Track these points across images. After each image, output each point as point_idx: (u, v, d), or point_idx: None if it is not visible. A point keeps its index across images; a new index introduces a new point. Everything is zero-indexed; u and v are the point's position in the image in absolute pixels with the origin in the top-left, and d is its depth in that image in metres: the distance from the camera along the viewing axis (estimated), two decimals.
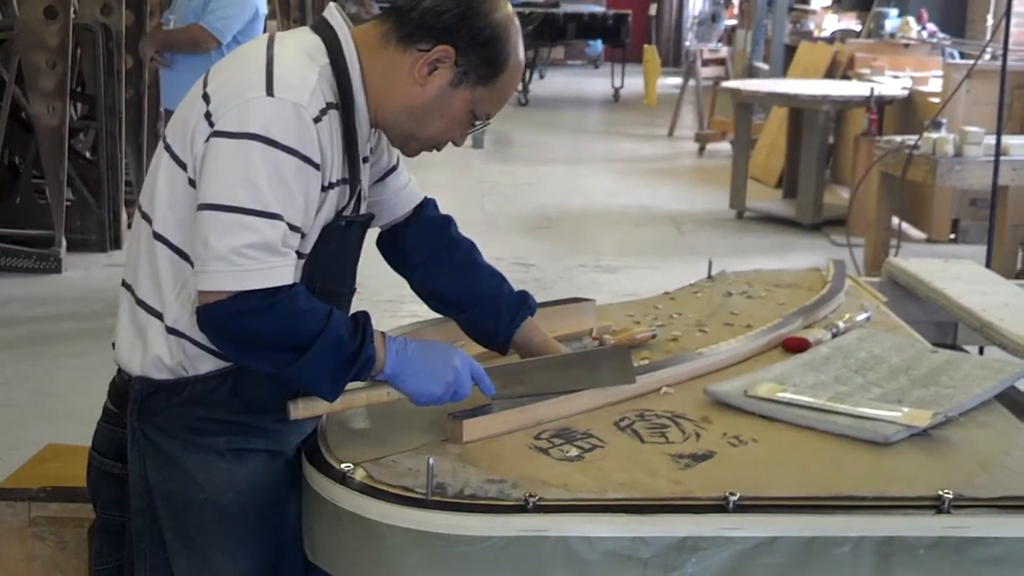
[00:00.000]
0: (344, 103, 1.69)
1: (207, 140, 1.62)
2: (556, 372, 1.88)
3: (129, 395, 1.74)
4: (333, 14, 1.75)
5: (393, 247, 2.00)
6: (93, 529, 1.93)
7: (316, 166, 1.64)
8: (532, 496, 1.56)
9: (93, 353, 4.66)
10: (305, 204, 1.64)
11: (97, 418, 1.86)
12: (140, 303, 1.72)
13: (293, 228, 1.62)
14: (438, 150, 1.83)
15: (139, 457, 1.74)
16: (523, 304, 1.96)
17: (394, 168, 1.96)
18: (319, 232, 1.71)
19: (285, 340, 1.61)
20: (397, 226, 1.99)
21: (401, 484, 1.61)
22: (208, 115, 1.63)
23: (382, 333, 1.71)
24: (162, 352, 1.70)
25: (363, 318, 1.68)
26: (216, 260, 1.57)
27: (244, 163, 1.58)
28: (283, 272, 1.60)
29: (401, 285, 2.11)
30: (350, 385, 1.69)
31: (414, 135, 1.78)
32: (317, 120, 1.63)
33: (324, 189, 1.68)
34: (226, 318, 1.59)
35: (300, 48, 1.69)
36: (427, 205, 2.02)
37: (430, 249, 1.98)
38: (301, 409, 1.70)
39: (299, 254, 1.69)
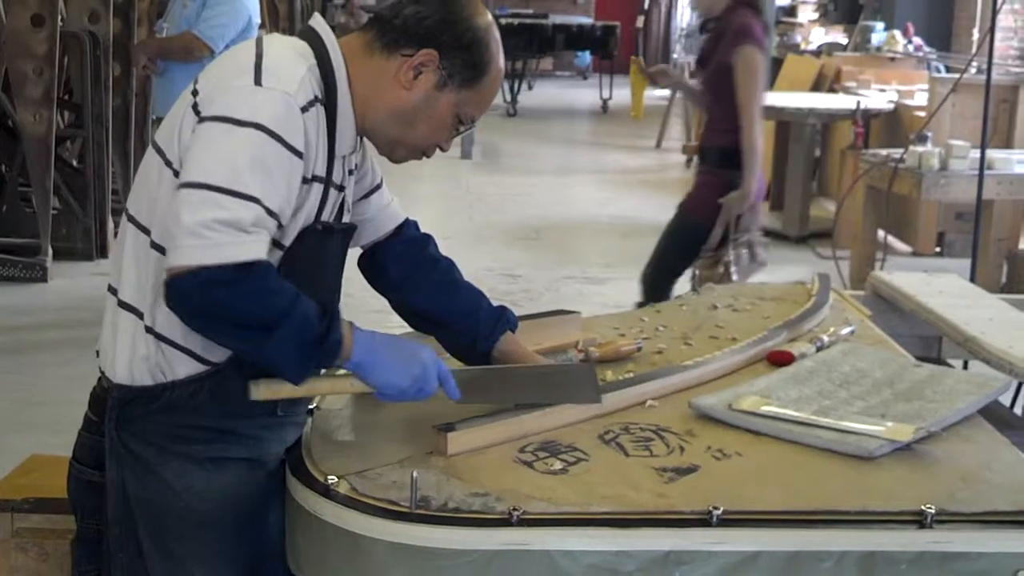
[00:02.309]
0: (329, 104, 1.71)
1: (194, 130, 1.64)
2: (523, 384, 1.88)
3: (107, 403, 1.74)
4: (319, 22, 1.79)
5: (372, 266, 2.01)
6: (76, 540, 1.92)
7: (299, 155, 1.65)
8: (516, 510, 1.56)
9: (78, 362, 4.63)
10: (287, 191, 1.64)
11: None
12: (122, 304, 1.73)
13: (270, 213, 1.61)
14: (427, 156, 1.84)
15: (117, 465, 1.74)
16: (501, 318, 1.97)
17: (378, 187, 1.98)
18: (296, 234, 1.71)
19: (252, 316, 1.59)
20: (377, 245, 2.00)
21: (385, 497, 1.60)
22: (196, 108, 1.65)
23: (350, 323, 1.69)
24: (143, 354, 1.70)
25: (331, 305, 1.67)
26: (186, 234, 1.56)
27: (226, 145, 1.59)
28: (253, 248, 1.59)
29: None
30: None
31: (401, 140, 1.79)
32: (304, 110, 1.65)
33: (306, 181, 1.69)
34: (193, 288, 1.57)
35: (288, 46, 1.73)
36: (408, 225, 2.03)
37: (409, 268, 1.99)
38: (263, 390, 1.68)
39: (279, 245, 1.69)
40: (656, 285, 4.20)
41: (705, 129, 4.26)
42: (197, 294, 1.58)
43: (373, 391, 1.72)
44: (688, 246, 4.11)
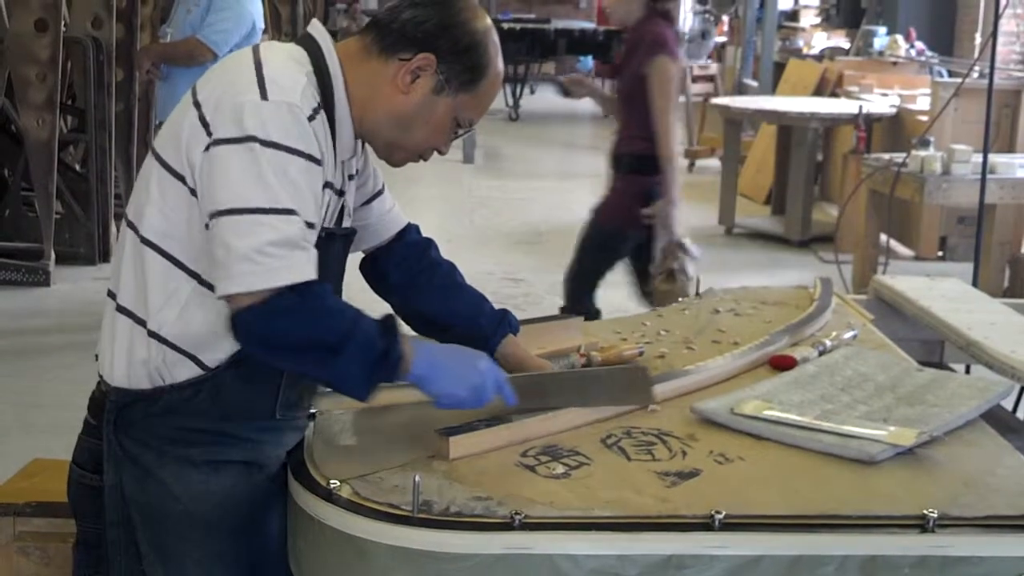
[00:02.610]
0: (327, 109, 1.71)
1: (207, 149, 1.63)
2: (577, 387, 1.89)
3: (105, 406, 1.74)
4: (316, 28, 1.79)
5: (374, 271, 2.01)
6: (76, 544, 1.93)
7: (318, 162, 1.66)
8: (518, 514, 1.56)
9: (80, 366, 4.63)
10: (315, 201, 1.66)
11: None
12: (121, 309, 1.73)
13: (308, 224, 1.63)
14: (424, 159, 1.85)
15: (115, 469, 1.74)
16: (502, 321, 1.97)
17: (380, 192, 1.98)
18: None
19: (316, 339, 1.61)
20: (379, 250, 2.01)
21: (387, 501, 1.60)
22: (204, 122, 1.65)
23: (408, 336, 1.72)
24: (141, 358, 1.71)
25: (391, 318, 1.68)
26: (240, 261, 1.57)
27: (250, 165, 1.60)
28: (307, 267, 1.61)
29: None
30: None
31: (399, 143, 1.80)
32: (311, 119, 1.66)
33: (323, 186, 1.70)
34: (259, 321, 1.59)
35: (286, 53, 1.73)
36: (409, 230, 2.03)
37: (410, 272, 1.99)
38: (325, 403, 1.73)
39: None
40: (575, 292, 4.27)
41: (618, 137, 4.30)
42: (263, 326, 1.60)
43: (432, 401, 1.73)
44: (604, 252, 4.23)
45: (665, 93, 3.99)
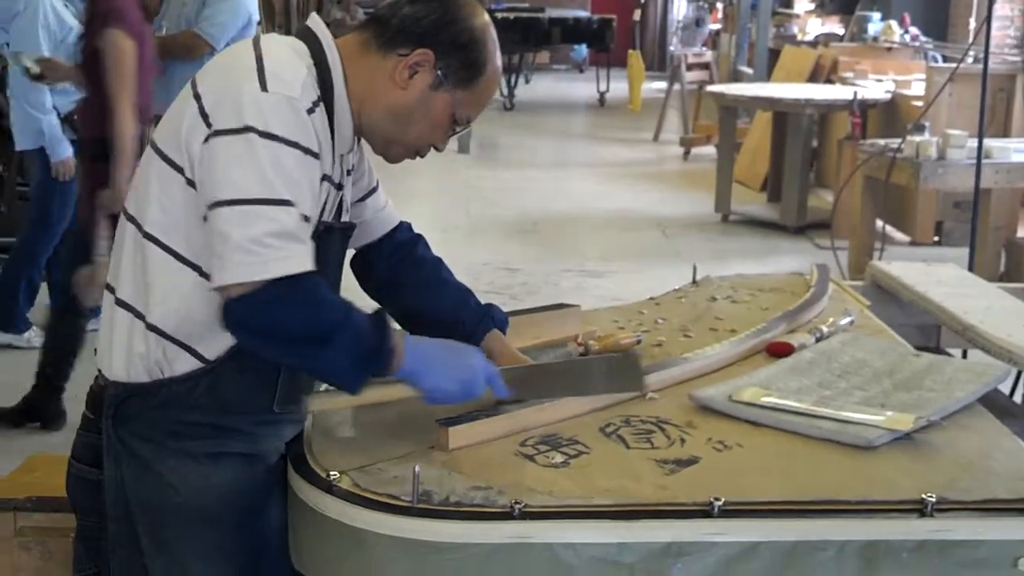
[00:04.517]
0: (327, 102, 1.71)
1: (206, 140, 1.63)
2: (568, 377, 1.89)
3: (104, 400, 1.75)
4: (316, 22, 1.80)
5: (363, 268, 2.02)
6: (76, 538, 1.93)
7: (316, 155, 1.66)
8: (518, 503, 1.56)
9: (78, 361, 4.64)
10: (311, 194, 1.66)
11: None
12: (120, 302, 1.73)
13: (304, 217, 1.63)
14: (421, 156, 1.85)
15: (114, 462, 1.75)
16: (486, 316, 1.97)
17: (374, 189, 1.99)
18: None
19: (307, 330, 1.61)
20: (369, 247, 2.01)
21: (387, 492, 1.61)
22: (204, 114, 1.65)
23: (400, 331, 1.72)
24: (140, 351, 1.71)
25: (382, 312, 1.69)
26: (237, 251, 1.58)
27: (249, 157, 1.60)
28: (303, 259, 1.61)
29: None
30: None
31: (397, 139, 1.80)
32: (310, 112, 1.66)
33: (320, 179, 1.70)
34: (252, 310, 1.59)
35: (287, 46, 1.73)
36: (401, 228, 2.03)
37: (395, 270, 2.00)
38: (318, 402, 1.73)
39: None
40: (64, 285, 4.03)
41: (80, 116, 4.04)
42: (255, 315, 1.60)
43: (423, 396, 1.73)
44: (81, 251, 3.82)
45: (118, 70, 3.66)
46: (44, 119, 4.76)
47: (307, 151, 1.64)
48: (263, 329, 1.62)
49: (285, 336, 1.62)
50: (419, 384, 1.72)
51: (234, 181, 1.60)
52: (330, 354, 1.62)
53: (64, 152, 4.77)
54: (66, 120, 4.78)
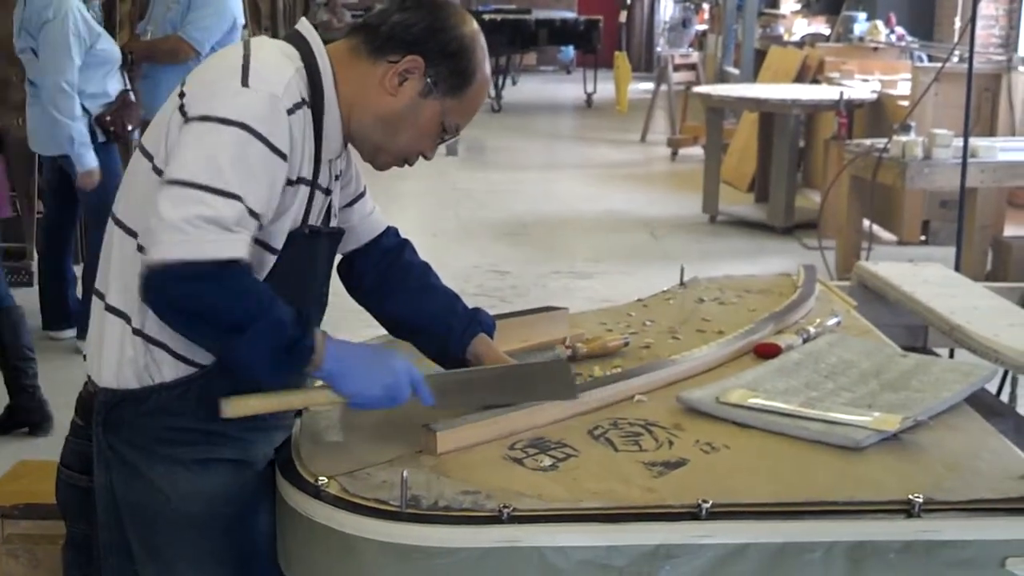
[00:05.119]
0: (315, 106, 1.71)
1: (180, 130, 1.63)
2: (499, 384, 1.88)
3: (94, 407, 1.74)
4: (306, 26, 1.80)
5: (350, 274, 2.02)
6: (66, 545, 1.93)
7: (283, 156, 1.65)
8: (506, 507, 1.56)
9: (65, 367, 4.63)
10: (269, 192, 1.64)
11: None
12: (109, 308, 1.73)
13: (252, 213, 1.61)
14: (409, 164, 1.85)
15: (105, 469, 1.74)
16: (473, 320, 1.97)
17: (362, 195, 1.98)
18: (284, 237, 1.71)
19: (226, 314, 1.58)
20: (356, 252, 2.01)
21: (375, 497, 1.61)
22: (182, 109, 1.65)
23: (323, 331, 1.69)
24: (128, 357, 1.71)
25: (307, 311, 1.67)
26: (167, 229, 1.55)
27: (210, 143, 1.59)
28: (235, 247, 1.58)
29: None
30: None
31: (385, 146, 1.80)
32: (291, 112, 1.65)
33: (291, 183, 1.69)
34: (168, 281, 1.56)
35: (277, 49, 1.73)
36: (388, 234, 2.03)
37: (382, 275, 1.99)
38: (235, 407, 1.67)
39: (269, 248, 1.69)
40: None
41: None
42: (172, 288, 1.57)
43: (346, 401, 1.71)
44: None
45: None
46: (73, 126, 4.68)
47: (274, 149, 1.63)
48: (179, 303, 1.58)
49: (201, 315, 1.59)
50: (340, 388, 1.69)
51: (186, 163, 1.59)
52: (247, 342, 1.58)
53: (91, 162, 4.69)
54: (98, 121, 4.76)
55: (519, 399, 1.86)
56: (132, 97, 4.89)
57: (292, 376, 1.69)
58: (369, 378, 1.69)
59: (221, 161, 1.58)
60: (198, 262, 1.55)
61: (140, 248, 1.68)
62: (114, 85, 4.85)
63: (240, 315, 1.58)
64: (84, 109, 4.72)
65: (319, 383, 1.73)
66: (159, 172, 1.65)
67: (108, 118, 4.75)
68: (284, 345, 1.61)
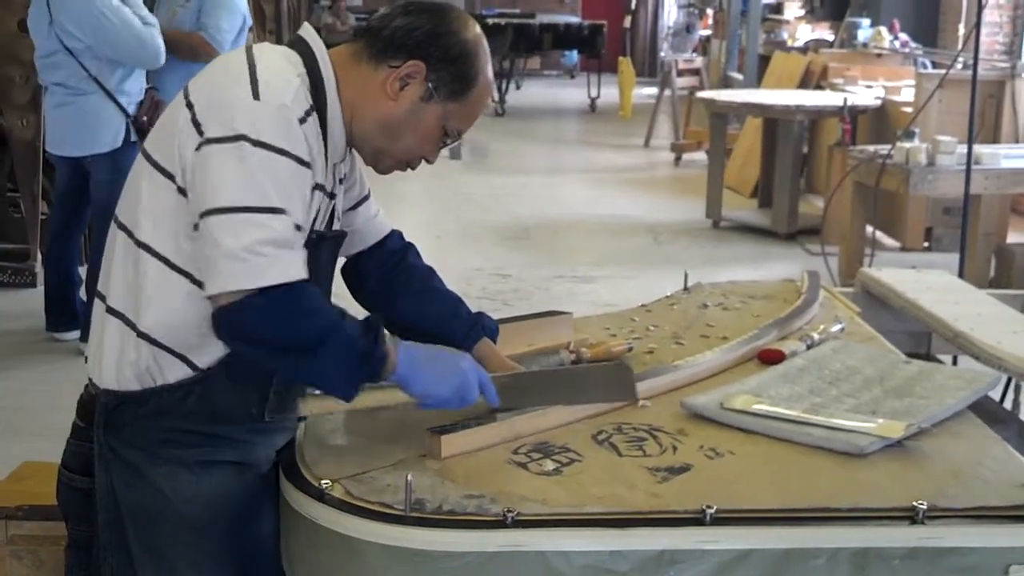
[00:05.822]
0: (319, 112, 1.71)
1: (198, 148, 1.63)
2: (561, 385, 1.90)
3: (95, 408, 1.74)
4: (308, 31, 1.80)
5: (354, 277, 2.02)
6: (68, 547, 1.93)
7: (307, 164, 1.66)
8: (510, 511, 1.56)
9: (68, 369, 4.64)
10: (303, 202, 1.66)
11: None
12: (111, 311, 1.73)
13: (298, 227, 1.64)
14: (412, 168, 1.85)
15: (106, 470, 1.75)
16: (477, 324, 1.98)
17: (366, 198, 1.99)
18: None
19: (299, 337, 1.61)
20: (360, 255, 2.01)
21: (380, 500, 1.61)
22: (196, 123, 1.65)
23: (392, 336, 1.73)
24: (131, 359, 1.71)
25: (374, 319, 1.69)
26: (229, 259, 1.57)
27: (241, 165, 1.60)
28: (296, 267, 1.61)
29: None
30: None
31: (387, 151, 1.80)
32: (302, 121, 1.66)
33: (312, 189, 1.70)
34: (243, 318, 1.59)
35: (279, 55, 1.74)
36: (392, 237, 2.04)
37: (387, 279, 2.00)
38: (312, 405, 1.73)
39: None
40: None
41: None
42: (244, 324, 1.60)
43: (416, 402, 1.73)
44: None
45: None
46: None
47: (298, 160, 1.64)
48: (254, 338, 1.62)
49: (277, 344, 1.62)
50: (412, 389, 1.72)
51: (226, 189, 1.59)
52: (322, 361, 1.61)
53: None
54: (134, 122, 4.74)
55: (579, 400, 1.88)
56: (158, 95, 4.87)
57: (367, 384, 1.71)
58: (440, 380, 1.72)
59: (259, 179, 1.60)
60: (263, 289, 1.58)
61: (141, 245, 1.68)
62: (143, 82, 4.86)
63: (312, 336, 1.61)
64: (123, 110, 4.72)
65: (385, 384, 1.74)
66: (179, 189, 1.65)
67: (145, 118, 4.72)
68: (357, 358, 1.63)
